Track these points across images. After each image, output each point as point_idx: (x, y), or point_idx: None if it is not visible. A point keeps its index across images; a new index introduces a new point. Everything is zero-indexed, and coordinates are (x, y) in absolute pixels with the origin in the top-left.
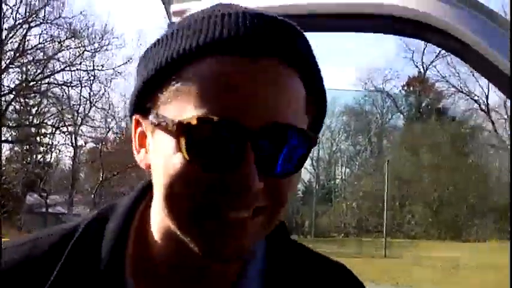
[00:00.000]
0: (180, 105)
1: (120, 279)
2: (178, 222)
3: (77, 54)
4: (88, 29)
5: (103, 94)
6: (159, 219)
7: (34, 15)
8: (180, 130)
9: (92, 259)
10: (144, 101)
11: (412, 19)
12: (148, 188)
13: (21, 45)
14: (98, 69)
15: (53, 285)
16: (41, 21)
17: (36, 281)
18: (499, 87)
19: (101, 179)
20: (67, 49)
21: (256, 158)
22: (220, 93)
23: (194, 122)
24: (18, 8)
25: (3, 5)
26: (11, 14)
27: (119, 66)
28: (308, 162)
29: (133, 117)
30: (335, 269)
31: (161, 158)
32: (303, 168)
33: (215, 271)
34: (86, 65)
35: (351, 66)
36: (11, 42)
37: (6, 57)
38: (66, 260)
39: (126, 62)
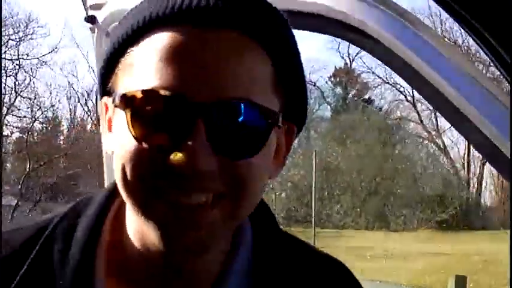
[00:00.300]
0: (130, 80)
1: (88, 280)
2: (135, 208)
3: (1, 43)
4: (12, 18)
5: (28, 84)
6: (130, 214)
7: None
8: (125, 103)
9: (62, 256)
10: (106, 82)
11: (333, 18)
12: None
13: None
14: (22, 59)
15: (22, 280)
16: None
17: (6, 275)
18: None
19: (27, 169)
20: None
21: (208, 137)
22: (170, 64)
23: (139, 94)
24: None
25: None
26: None
27: (44, 56)
28: None
29: (103, 100)
30: (326, 262)
31: (117, 138)
32: None
33: (191, 267)
34: (11, 54)
35: None
36: None
37: None
38: (36, 256)
39: (52, 51)
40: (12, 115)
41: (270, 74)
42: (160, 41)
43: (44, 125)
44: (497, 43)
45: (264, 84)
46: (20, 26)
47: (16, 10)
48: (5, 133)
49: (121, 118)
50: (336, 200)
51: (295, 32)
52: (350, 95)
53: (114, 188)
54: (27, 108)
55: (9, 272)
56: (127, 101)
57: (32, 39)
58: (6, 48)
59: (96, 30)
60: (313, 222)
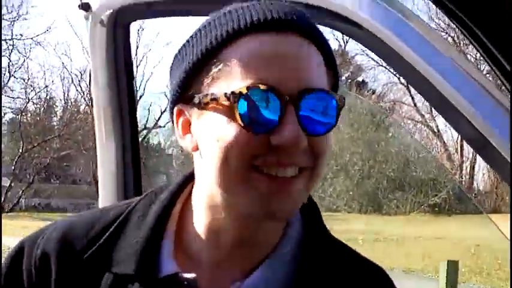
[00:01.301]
0: (227, 82)
1: (157, 241)
2: (232, 184)
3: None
4: None
5: (22, 64)
6: (203, 200)
7: None
8: (233, 100)
9: (139, 221)
10: (185, 91)
11: (325, 8)
12: (189, 179)
13: None
14: (16, 39)
15: (99, 247)
16: None
17: (93, 239)
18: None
19: (21, 150)
20: None
21: (299, 119)
22: (263, 65)
23: (244, 90)
24: None
25: None
26: None
27: (37, 36)
28: None
29: (175, 108)
30: (367, 266)
31: (213, 132)
32: None
33: (254, 237)
34: (4, 34)
35: None
36: None
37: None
38: (122, 221)
39: (45, 31)
40: (6, 96)
41: (323, 64)
42: (248, 47)
43: (38, 106)
44: (498, 51)
45: (323, 72)
46: (13, 6)
47: None
48: None
49: (216, 114)
50: (329, 182)
51: None
52: (343, 77)
53: (183, 181)
54: (21, 89)
55: (97, 237)
56: (234, 97)
57: (25, 19)
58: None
59: (90, 17)
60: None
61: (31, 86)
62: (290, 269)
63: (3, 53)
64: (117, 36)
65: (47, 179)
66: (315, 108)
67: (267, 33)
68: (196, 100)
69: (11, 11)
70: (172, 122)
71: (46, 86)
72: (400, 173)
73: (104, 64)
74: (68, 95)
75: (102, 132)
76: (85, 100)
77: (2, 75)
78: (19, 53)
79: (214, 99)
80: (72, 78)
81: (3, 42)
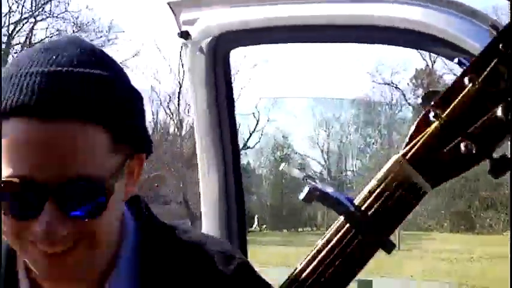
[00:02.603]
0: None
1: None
2: (21, 256)
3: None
4: (94, 23)
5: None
6: None
7: (40, 9)
8: None
9: None
10: None
11: (413, 30)
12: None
13: (27, 40)
14: None
15: None
16: (47, 15)
17: None
18: None
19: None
20: None
21: (61, 206)
22: (23, 154)
23: (2, 185)
24: (24, 2)
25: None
26: (17, 8)
27: (126, 60)
28: (318, 154)
29: None
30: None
31: None
32: (312, 160)
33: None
34: None
35: (358, 59)
36: (17, 36)
37: (14, 51)
38: None
39: (134, 55)
40: None
41: (107, 143)
42: (12, 131)
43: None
44: None
45: (102, 156)
46: (102, 31)
47: (98, 16)
48: None
49: None
50: (420, 202)
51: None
52: None
53: None
54: None
55: None
56: None
57: (114, 43)
58: None
59: (189, 45)
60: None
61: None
62: (133, 281)
63: None
64: (217, 63)
65: None
66: (78, 195)
67: (33, 118)
68: None
69: (100, 36)
70: None
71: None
72: (492, 192)
73: (203, 91)
74: (157, 117)
75: (203, 162)
76: (174, 122)
77: None
78: None
79: None
80: (161, 100)
81: None
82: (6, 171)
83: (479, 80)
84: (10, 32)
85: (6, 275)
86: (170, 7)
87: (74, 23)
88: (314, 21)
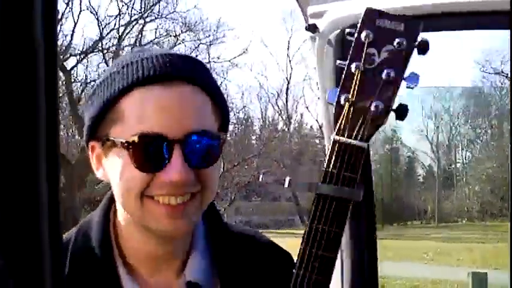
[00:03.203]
0: (123, 128)
1: (110, 262)
2: (131, 210)
3: (193, 47)
4: (202, 22)
5: (220, 85)
6: (123, 218)
7: (149, 11)
8: (126, 147)
9: (87, 252)
10: (95, 131)
11: None
12: (112, 199)
13: (137, 41)
14: (213, 61)
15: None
16: (156, 16)
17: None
18: None
19: (222, 170)
20: (182, 42)
21: (185, 157)
22: (151, 114)
23: (136, 139)
24: (133, 4)
25: (119, 2)
26: (127, 10)
27: (234, 58)
28: (428, 146)
29: (90, 144)
30: (263, 242)
31: (116, 170)
32: (423, 153)
33: (171, 248)
34: (202, 58)
35: (467, 48)
36: (128, 38)
37: (124, 52)
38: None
39: (242, 53)
40: None
41: (210, 105)
42: (140, 98)
43: (237, 126)
44: None
45: (209, 116)
46: (210, 29)
47: (206, 15)
48: None
49: (116, 156)
50: None
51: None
52: None
53: (107, 203)
54: None
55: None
56: (128, 145)
57: (222, 42)
58: (198, 52)
59: (317, 38)
60: (510, 216)
61: (230, 106)
62: (207, 259)
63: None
64: (346, 55)
65: (247, 197)
66: (199, 146)
67: (155, 85)
68: (102, 141)
69: (208, 35)
70: (89, 155)
71: (244, 106)
72: None
73: (333, 85)
74: (265, 114)
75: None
76: (282, 118)
77: None
78: (217, 75)
79: (114, 144)
80: (269, 97)
81: None
82: (136, 129)
83: (361, 64)
84: (120, 34)
85: (104, 263)
86: (297, 1)
87: (182, 22)
88: (459, 8)
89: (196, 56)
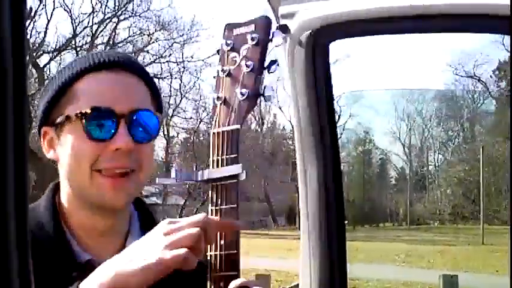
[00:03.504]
0: (76, 106)
1: (63, 236)
2: (81, 183)
3: (167, 46)
4: (176, 21)
5: (193, 85)
6: (66, 198)
7: (123, 9)
8: (80, 117)
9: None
10: (49, 116)
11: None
12: (56, 187)
13: (111, 39)
14: (187, 61)
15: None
16: (130, 14)
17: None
18: None
19: (194, 169)
20: (156, 41)
21: (129, 131)
22: (102, 93)
23: (89, 110)
24: (107, 2)
25: (92, 0)
26: (100, 8)
27: (208, 58)
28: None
29: (42, 130)
30: None
31: (67, 146)
32: (395, 155)
33: (111, 225)
34: (176, 57)
35: (440, 51)
36: (101, 36)
37: (97, 51)
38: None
39: (216, 53)
40: (178, 116)
41: (149, 92)
42: (93, 80)
43: (210, 126)
44: None
45: (147, 99)
46: (184, 28)
47: (180, 14)
48: (171, 134)
49: (70, 130)
50: (504, 196)
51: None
52: None
53: (53, 187)
54: (193, 109)
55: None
56: (81, 115)
57: (196, 41)
58: (171, 51)
59: (288, 39)
60: (481, 219)
61: (203, 106)
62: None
63: (175, 75)
64: (316, 57)
65: None
66: (141, 123)
67: (104, 71)
68: (56, 121)
69: (182, 34)
70: (40, 140)
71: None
72: None
73: (303, 85)
74: None
75: (303, 158)
76: (255, 119)
77: (175, 96)
78: (190, 74)
79: (68, 118)
80: None
81: (174, 64)
82: (88, 104)
83: (226, 67)
84: (94, 32)
85: (56, 235)
86: (268, 1)
87: (156, 21)
88: (415, 12)
89: (170, 55)
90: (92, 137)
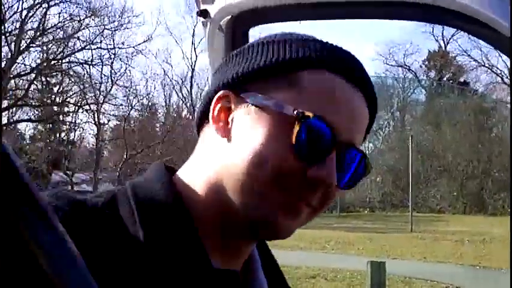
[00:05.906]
0: (295, 100)
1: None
2: (249, 188)
3: (97, 32)
4: (107, 8)
5: (124, 72)
6: (206, 193)
7: None
8: (299, 117)
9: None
10: (244, 83)
11: (430, 4)
12: (168, 169)
13: (41, 25)
14: (118, 48)
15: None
16: (60, 0)
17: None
18: None
19: (125, 156)
20: (87, 27)
21: (337, 165)
22: (335, 105)
23: (311, 115)
24: None
25: None
26: None
27: (139, 44)
28: None
29: (221, 91)
30: None
31: (258, 136)
32: None
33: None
34: (107, 44)
35: (371, 41)
36: (31, 22)
37: (27, 36)
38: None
39: (147, 40)
40: (109, 103)
41: (367, 111)
42: (325, 81)
43: (141, 113)
44: None
45: (365, 124)
46: (115, 15)
47: (111, 1)
48: (102, 121)
49: (267, 121)
50: (432, 184)
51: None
52: (445, 78)
53: (165, 171)
54: (124, 96)
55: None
56: (301, 117)
57: (127, 28)
58: (102, 38)
59: (208, 24)
60: (410, 207)
61: (134, 93)
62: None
63: (106, 62)
64: (235, 42)
65: None
66: (349, 165)
67: (340, 77)
68: (254, 98)
69: (113, 21)
70: (209, 101)
71: (148, 93)
72: (505, 173)
73: None
74: (169, 101)
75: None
76: (186, 106)
77: (105, 83)
78: (121, 61)
79: (279, 107)
80: (173, 84)
81: (105, 51)
82: (316, 107)
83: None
84: (23, 17)
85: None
86: None
87: (87, 7)
88: None
89: (101, 41)
90: (297, 151)
